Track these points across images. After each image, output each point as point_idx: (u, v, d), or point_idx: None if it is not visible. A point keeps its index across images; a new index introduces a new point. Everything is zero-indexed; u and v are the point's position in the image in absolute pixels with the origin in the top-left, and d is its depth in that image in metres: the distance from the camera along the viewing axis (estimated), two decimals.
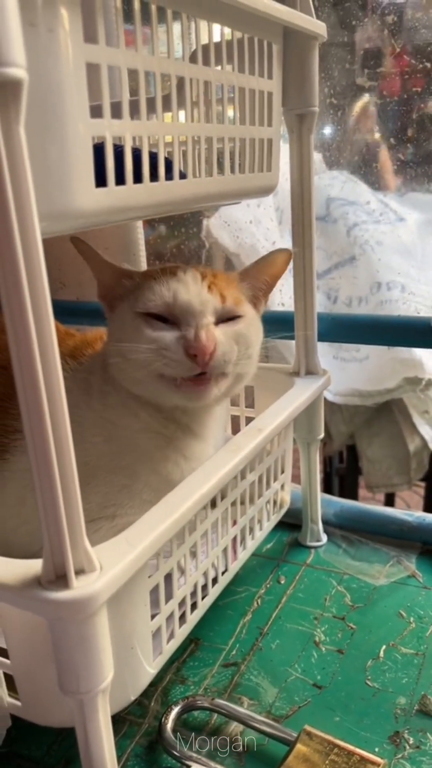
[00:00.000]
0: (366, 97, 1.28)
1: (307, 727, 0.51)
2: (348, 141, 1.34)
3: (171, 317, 0.56)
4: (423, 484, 1.58)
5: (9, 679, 0.48)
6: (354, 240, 1.38)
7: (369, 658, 0.62)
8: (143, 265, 0.92)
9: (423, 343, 0.75)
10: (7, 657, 0.47)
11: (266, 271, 0.64)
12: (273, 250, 0.64)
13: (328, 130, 1.34)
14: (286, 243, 1.39)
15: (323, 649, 0.63)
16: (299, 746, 0.50)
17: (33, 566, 0.40)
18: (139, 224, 0.91)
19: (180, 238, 1.37)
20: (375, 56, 1.16)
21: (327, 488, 1.63)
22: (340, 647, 0.63)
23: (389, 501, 1.70)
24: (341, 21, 1.11)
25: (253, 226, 1.33)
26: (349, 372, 1.36)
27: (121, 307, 0.60)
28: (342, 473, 1.68)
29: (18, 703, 0.48)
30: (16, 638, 0.46)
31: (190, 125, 0.49)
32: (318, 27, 0.61)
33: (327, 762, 0.49)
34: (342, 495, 1.33)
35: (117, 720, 0.55)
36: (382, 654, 0.62)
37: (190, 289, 0.57)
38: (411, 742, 0.53)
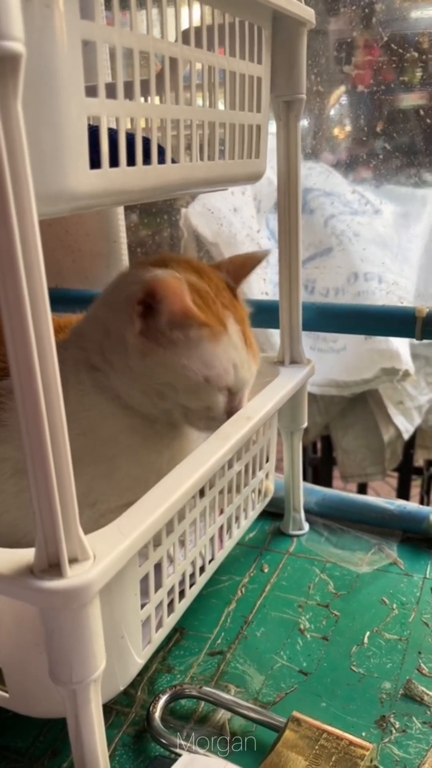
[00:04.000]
0: (343, 87, 1.28)
1: (296, 714, 0.51)
2: (326, 131, 1.34)
3: None
4: (396, 474, 1.61)
5: None
6: (331, 231, 1.38)
7: (353, 645, 0.62)
8: (124, 252, 0.91)
9: (406, 332, 0.75)
10: None
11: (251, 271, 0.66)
12: (257, 252, 0.65)
13: (307, 121, 1.34)
14: (264, 234, 1.39)
15: (308, 636, 0.64)
16: (288, 733, 0.50)
17: (25, 555, 0.39)
18: (120, 211, 0.90)
19: (161, 225, 1.36)
20: (356, 46, 1.17)
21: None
22: (325, 634, 0.64)
23: (361, 491, 1.72)
24: (328, 9, 1.11)
25: (233, 214, 1.33)
26: (326, 362, 1.37)
27: (173, 354, 0.55)
28: (316, 463, 1.70)
29: (5, 694, 0.48)
30: (4, 628, 0.45)
31: (182, 108, 0.49)
32: (307, 12, 0.61)
33: (316, 747, 0.49)
34: (316, 485, 1.35)
35: (104, 710, 0.54)
36: (366, 640, 0.63)
37: (244, 361, 0.58)
38: (397, 726, 0.54)
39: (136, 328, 0.54)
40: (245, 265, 0.65)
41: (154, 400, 0.57)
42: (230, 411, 0.59)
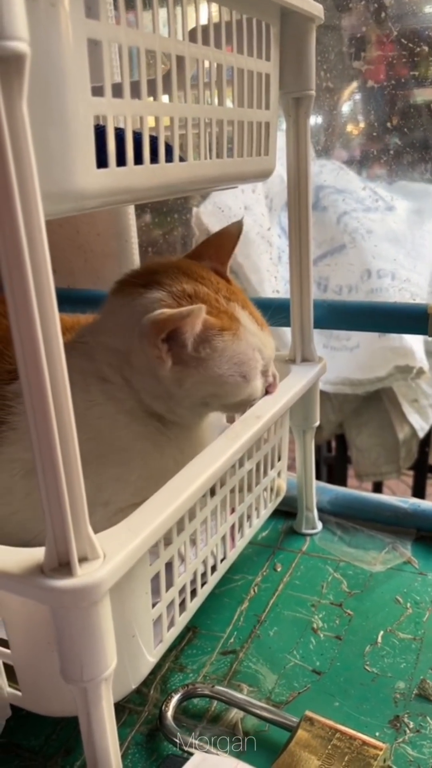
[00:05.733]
0: (355, 83, 1.27)
1: (309, 713, 0.51)
2: (338, 128, 1.34)
3: None
4: (411, 472, 1.60)
5: (9, 669, 0.48)
6: (344, 228, 1.38)
7: (367, 644, 0.62)
8: (135, 252, 0.91)
9: (419, 329, 0.75)
10: (7, 647, 0.46)
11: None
12: (230, 227, 0.66)
13: (318, 118, 1.33)
14: (275, 231, 1.39)
15: (321, 635, 0.63)
16: (301, 732, 0.50)
17: (35, 554, 0.39)
18: (131, 211, 0.90)
19: (172, 224, 1.36)
20: (366, 41, 1.16)
21: (316, 477, 1.63)
22: (338, 633, 0.64)
23: (377, 490, 1.71)
24: (337, 4, 1.10)
25: (245, 212, 1.32)
26: (340, 361, 1.37)
27: (208, 369, 0.56)
28: (331, 462, 1.69)
29: (18, 692, 0.48)
30: (16, 627, 0.45)
31: (189, 106, 0.49)
32: (315, 8, 0.61)
33: (329, 747, 0.49)
34: (331, 484, 1.35)
35: (117, 708, 0.54)
36: (380, 639, 0.62)
37: (264, 341, 0.61)
38: (411, 726, 0.53)
39: (168, 364, 0.55)
40: (224, 245, 0.65)
41: (199, 411, 0.60)
42: (270, 388, 0.63)
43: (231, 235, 0.66)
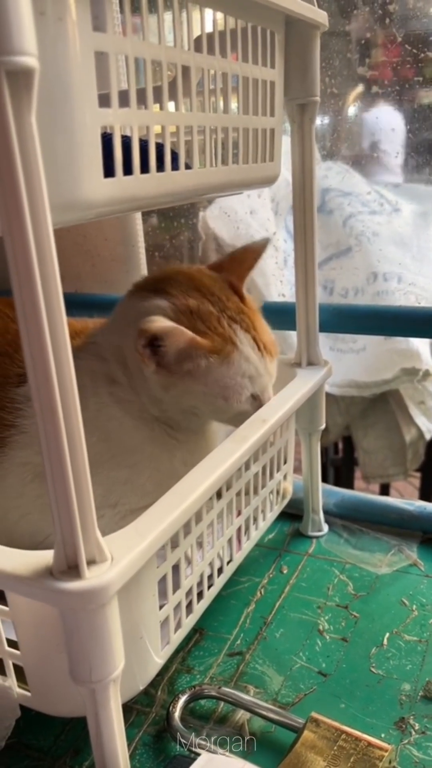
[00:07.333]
0: (361, 87, 1.27)
1: (314, 714, 0.52)
2: (344, 131, 1.34)
3: None
4: (418, 474, 1.59)
5: (19, 670, 0.48)
6: (350, 231, 1.38)
7: (373, 646, 0.62)
8: (142, 257, 0.92)
9: (425, 333, 0.75)
10: (17, 648, 0.47)
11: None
12: (255, 243, 0.67)
13: (324, 121, 1.33)
14: (281, 235, 1.39)
15: (327, 637, 0.64)
16: (307, 733, 0.50)
17: (44, 557, 0.40)
18: (138, 216, 0.91)
19: (179, 229, 1.36)
20: (372, 46, 1.16)
21: (323, 479, 1.63)
22: (344, 635, 0.64)
23: (384, 492, 1.71)
24: (341, 10, 1.11)
25: (251, 217, 1.33)
26: (346, 363, 1.37)
27: (191, 382, 0.57)
28: (338, 464, 1.69)
29: (27, 693, 0.49)
30: (26, 629, 0.46)
31: (195, 114, 0.49)
32: (319, 15, 0.61)
33: (335, 748, 0.49)
34: (338, 486, 1.35)
35: (124, 709, 0.55)
36: (385, 642, 0.63)
37: (259, 369, 0.60)
38: (417, 727, 0.54)
39: (150, 368, 0.56)
40: (246, 259, 0.65)
41: (189, 418, 0.61)
42: (260, 405, 0.62)
43: (254, 252, 0.66)
